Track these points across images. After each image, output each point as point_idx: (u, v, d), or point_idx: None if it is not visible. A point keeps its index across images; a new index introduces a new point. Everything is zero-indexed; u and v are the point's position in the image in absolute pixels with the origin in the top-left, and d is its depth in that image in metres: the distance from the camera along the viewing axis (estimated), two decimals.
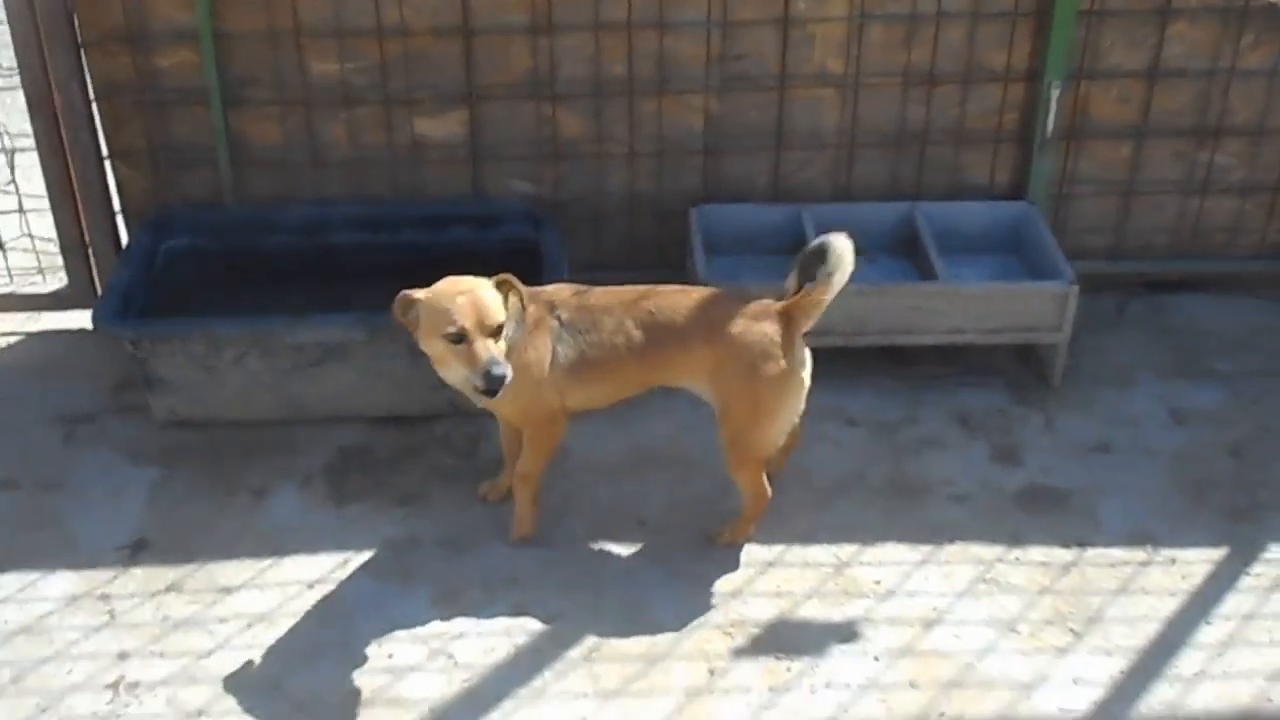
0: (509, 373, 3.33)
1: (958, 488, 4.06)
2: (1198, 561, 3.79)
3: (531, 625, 3.56)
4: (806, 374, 3.61)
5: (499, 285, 3.44)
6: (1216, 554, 3.81)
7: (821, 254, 3.46)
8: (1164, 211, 4.84)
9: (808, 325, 3.57)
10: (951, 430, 4.30)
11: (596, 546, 3.82)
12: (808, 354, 3.62)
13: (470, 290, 3.37)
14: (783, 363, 3.53)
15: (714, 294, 3.67)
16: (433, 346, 3.41)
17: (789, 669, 3.45)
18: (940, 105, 4.62)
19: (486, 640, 3.51)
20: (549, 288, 3.62)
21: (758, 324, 3.54)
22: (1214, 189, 4.80)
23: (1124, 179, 4.76)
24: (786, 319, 3.55)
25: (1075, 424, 4.33)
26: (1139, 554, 3.82)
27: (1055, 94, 4.52)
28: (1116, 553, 3.82)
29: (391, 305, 3.44)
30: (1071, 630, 3.56)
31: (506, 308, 3.43)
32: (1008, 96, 4.61)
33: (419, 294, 3.40)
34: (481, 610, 3.60)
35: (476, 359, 3.31)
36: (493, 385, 3.31)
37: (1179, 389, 4.49)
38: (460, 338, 3.32)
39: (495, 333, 3.35)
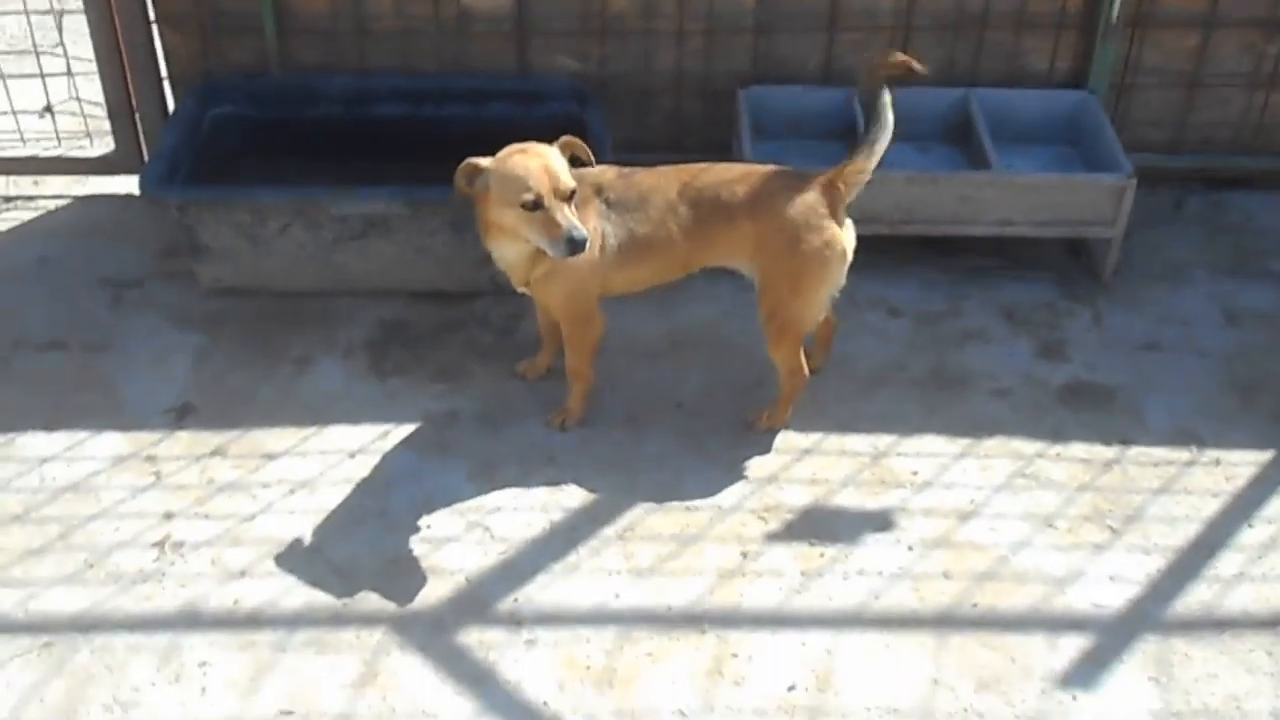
0: (589, 235, 3.31)
1: (1000, 382, 4.02)
2: (1242, 463, 3.75)
3: (567, 502, 3.59)
4: (849, 247, 3.57)
5: (563, 148, 3.40)
6: (1262, 456, 3.77)
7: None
8: (1228, 106, 4.69)
9: (851, 196, 3.53)
10: (996, 323, 4.24)
11: (634, 427, 3.83)
12: (851, 226, 3.57)
13: (541, 156, 3.32)
14: (825, 234, 3.50)
15: (758, 169, 3.62)
16: (504, 215, 3.36)
17: (822, 555, 3.46)
18: None
19: (523, 515, 3.54)
20: (593, 169, 3.58)
21: (800, 195, 3.51)
22: None
23: (1189, 70, 4.62)
24: (829, 190, 3.51)
25: (1124, 321, 4.26)
26: (1183, 454, 3.78)
27: None
28: (1160, 451, 3.79)
29: (442, 177, 3.41)
30: (1110, 527, 3.55)
31: None
32: None
33: (486, 162, 3.36)
34: (518, 486, 3.63)
35: (557, 226, 3.27)
36: (576, 250, 3.28)
37: (1233, 288, 4.41)
38: (537, 204, 3.28)
39: (569, 198, 3.31)
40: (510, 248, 3.48)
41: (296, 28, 4.56)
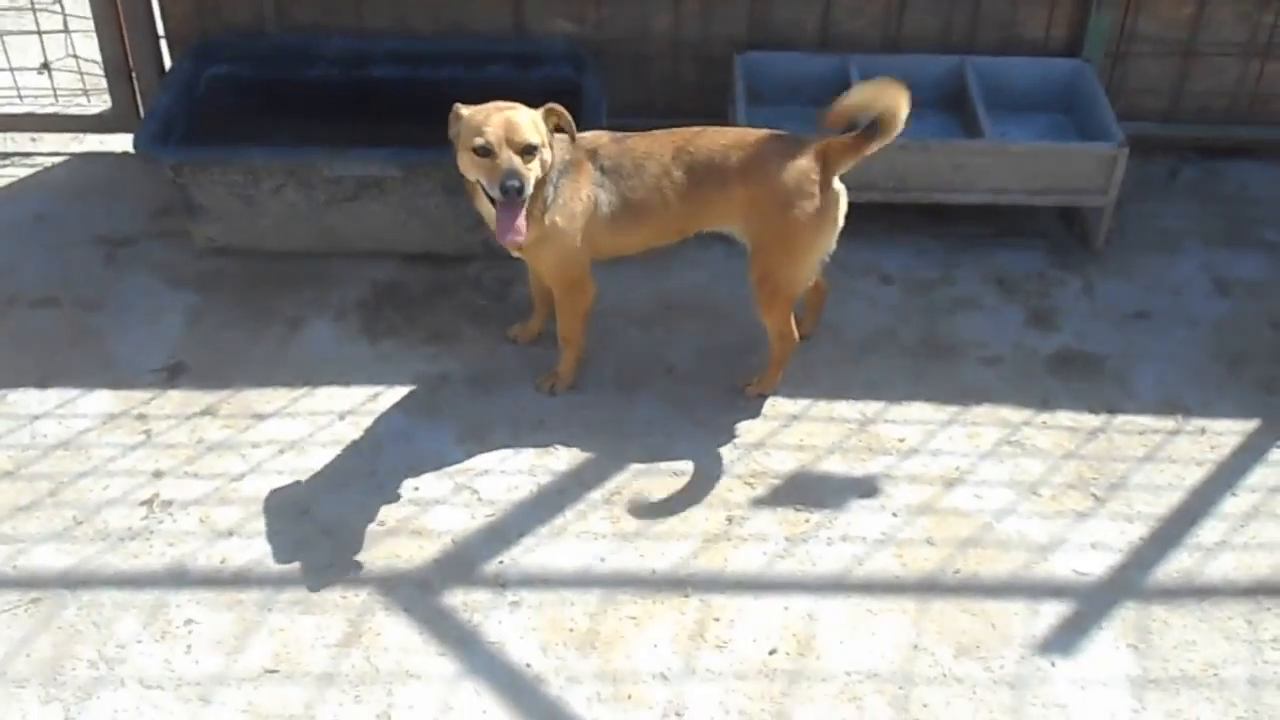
0: (529, 187, 3.32)
1: (990, 350, 4.03)
2: (1228, 432, 3.76)
3: (555, 465, 3.61)
4: (840, 213, 3.59)
5: (547, 114, 3.41)
6: (1248, 425, 3.79)
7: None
8: (1224, 75, 4.68)
9: (845, 167, 3.55)
10: (988, 291, 4.25)
11: (624, 392, 3.85)
12: (843, 192, 3.59)
13: (509, 111, 3.35)
14: (817, 200, 3.51)
15: (752, 133, 3.62)
16: (463, 161, 3.40)
17: (807, 520, 3.48)
18: None
19: (510, 478, 3.57)
20: (587, 135, 3.59)
21: (793, 161, 3.51)
22: (1277, 52, 4.62)
23: (1185, 38, 4.60)
24: (823, 157, 3.52)
25: (1115, 289, 4.27)
26: (1169, 422, 3.80)
27: None
28: (1146, 420, 3.80)
29: (438, 139, 3.46)
30: (1094, 495, 3.57)
31: (551, 140, 3.41)
32: None
33: (466, 109, 3.40)
34: (507, 449, 3.65)
35: (497, 169, 3.30)
36: (509, 195, 3.29)
37: (1225, 257, 4.40)
38: (487, 151, 3.30)
39: (524, 151, 3.32)
40: (481, 202, 3.49)
41: None
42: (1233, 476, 3.63)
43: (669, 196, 3.56)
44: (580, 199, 3.51)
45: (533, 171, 3.34)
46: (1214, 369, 3.98)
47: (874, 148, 3.50)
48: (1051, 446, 3.71)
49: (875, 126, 3.45)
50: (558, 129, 3.44)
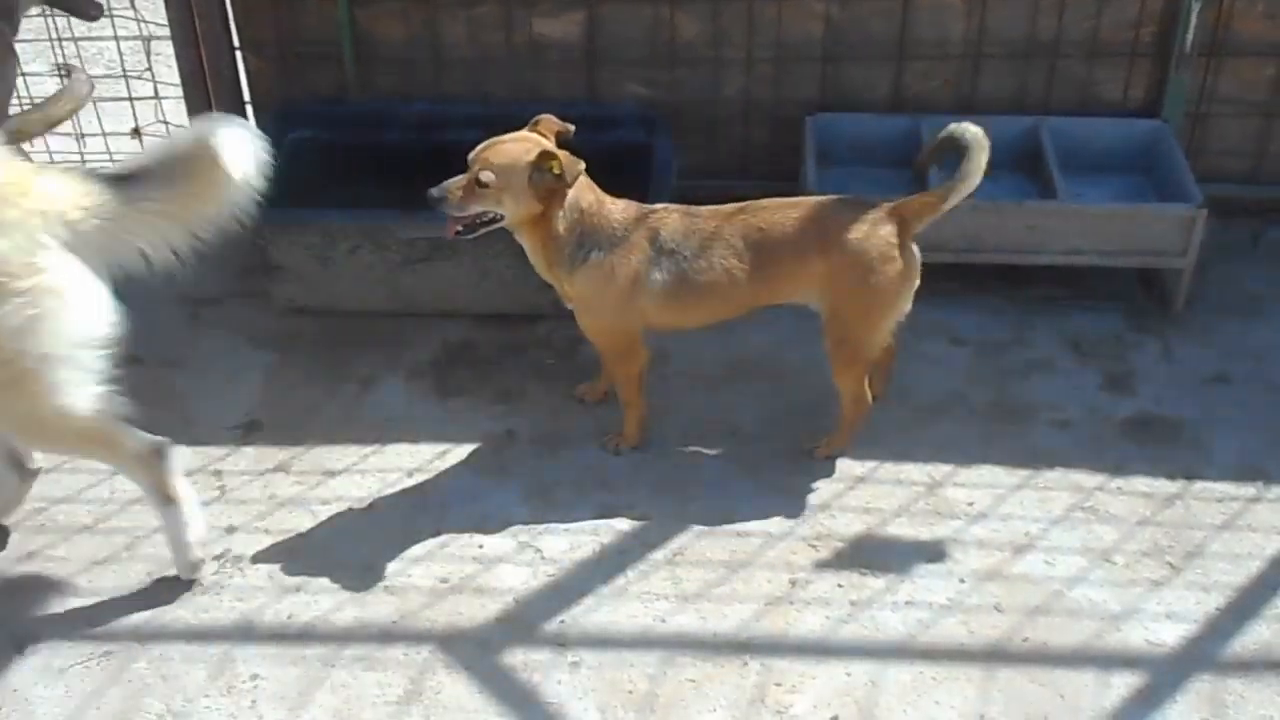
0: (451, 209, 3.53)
1: (1063, 413, 3.97)
2: None
3: (619, 525, 3.62)
4: (917, 273, 3.58)
5: (539, 160, 3.45)
6: None
7: (957, 147, 3.48)
8: None
9: (921, 226, 3.55)
10: (1062, 354, 4.19)
11: (689, 453, 3.85)
12: (917, 252, 3.58)
13: (513, 140, 3.55)
14: (898, 264, 3.51)
15: (821, 203, 3.62)
16: None
17: (871, 584, 3.44)
18: (1074, 16, 4.43)
19: (574, 537, 3.58)
20: (659, 210, 3.59)
21: (874, 228, 3.51)
22: None
23: (1267, 99, 4.53)
24: (901, 220, 3.52)
25: (1194, 353, 4.19)
26: (1248, 489, 3.70)
27: (1196, 7, 4.30)
28: (1225, 487, 3.71)
29: None
30: (1169, 563, 3.49)
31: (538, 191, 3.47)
32: (1146, 8, 4.40)
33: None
34: (571, 508, 3.67)
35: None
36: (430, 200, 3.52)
37: None
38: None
39: (473, 173, 3.49)
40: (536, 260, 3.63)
41: (374, 55, 4.68)
42: None
43: (736, 275, 3.56)
44: (628, 265, 3.53)
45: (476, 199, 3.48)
46: None
47: (951, 202, 3.50)
48: (1126, 513, 3.64)
49: (955, 179, 3.46)
50: (558, 176, 3.44)
